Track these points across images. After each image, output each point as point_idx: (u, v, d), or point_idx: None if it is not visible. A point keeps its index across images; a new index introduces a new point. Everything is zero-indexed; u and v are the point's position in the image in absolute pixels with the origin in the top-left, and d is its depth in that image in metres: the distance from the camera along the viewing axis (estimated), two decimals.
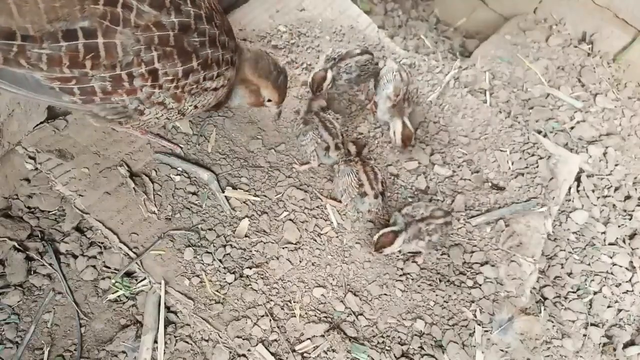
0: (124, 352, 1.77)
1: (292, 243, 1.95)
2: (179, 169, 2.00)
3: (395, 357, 1.82)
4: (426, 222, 1.92)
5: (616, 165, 2.67)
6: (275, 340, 1.76)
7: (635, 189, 2.61)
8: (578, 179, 2.55)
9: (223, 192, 1.99)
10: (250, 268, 1.87)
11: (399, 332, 1.88)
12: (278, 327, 1.78)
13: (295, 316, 1.82)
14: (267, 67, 1.80)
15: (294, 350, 1.75)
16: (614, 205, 2.56)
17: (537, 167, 2.36)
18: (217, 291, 1.81)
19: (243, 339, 1.74)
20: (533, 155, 2.40)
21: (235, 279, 1.84)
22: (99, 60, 1.31)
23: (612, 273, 2.37)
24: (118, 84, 1.37)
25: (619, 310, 2.29)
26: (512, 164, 2.36)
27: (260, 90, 1.84)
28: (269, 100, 1.90)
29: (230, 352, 1.77)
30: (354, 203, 1.99)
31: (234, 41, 1.66)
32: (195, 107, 1.63)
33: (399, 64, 2.36)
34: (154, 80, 1.41)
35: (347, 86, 2.31)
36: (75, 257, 1.92)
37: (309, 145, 2.04)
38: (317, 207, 2.05)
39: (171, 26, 1.38)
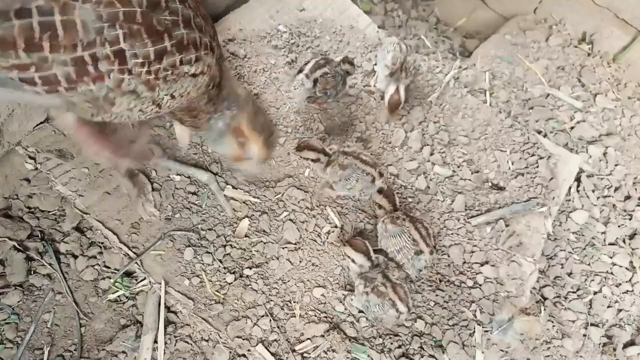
0: (124, 352, 1.77)
1: (292, 243, 1.95)
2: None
3: (395, 357, 1.81)
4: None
5: (616, 165, 2.67)
6: (275, 340, 1.76)
7: (635, 189, 2.61)
8: (578, 179, 2.55)
9: (223, 192, 1.99)
10: (250, 268, 1.87)
11: (399, 332, 1.88)
12: (278, 327, 1.78)
13: (295, 316, 1.82)
14: (262, 123, 1.74)
15: (294, 350, 1.75)
16: (614, 205, 2.56)
17: (537, 167, 2.35)
18: (217, 291, 1.81)
19: (243, 339, 1.75)
20: (533, 155, 2.40)
21: (235, 279, 1.84)
22: (58, 41, 1.19)
23: (612, 273, 2.37)
24: (82, 68, 1.24)
25: (619, 310, 2.29)
26: (512, 164, 2.36)
27: (249, 144, 1.75)
28: (252, 154, 1.79)
29: (230, 352, 1.77)
30: (412, 262, 1.91)
31: (212, 29, 1.53)
32: (172, 96, 1.47)
33: (400, 39, 2.39)
34: (122, 63, 1.28)
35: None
36: (75, 257, 1.92)
37: (357, 186, 1.99)
38: (317, 207, 2.05)
39: (138, 2, 1.26)
